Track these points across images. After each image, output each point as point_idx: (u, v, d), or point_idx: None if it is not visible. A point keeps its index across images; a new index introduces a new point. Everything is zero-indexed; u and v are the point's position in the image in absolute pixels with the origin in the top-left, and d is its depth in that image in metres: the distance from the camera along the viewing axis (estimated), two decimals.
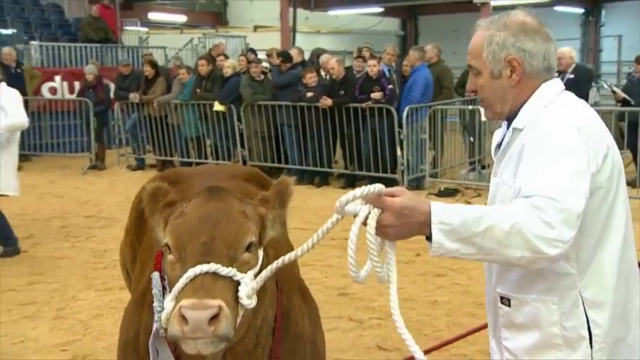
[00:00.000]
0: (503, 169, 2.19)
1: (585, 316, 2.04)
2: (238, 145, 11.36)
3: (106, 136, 13.36)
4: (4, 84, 6.95)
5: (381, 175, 10.02)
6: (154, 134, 12.26)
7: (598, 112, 2.29)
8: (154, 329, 2.05)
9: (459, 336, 3.80)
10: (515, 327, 2.13)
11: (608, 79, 19.05)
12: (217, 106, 11.15)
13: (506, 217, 1.84)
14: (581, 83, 9.65)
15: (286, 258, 1.96)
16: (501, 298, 2.16)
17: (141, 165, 12.51)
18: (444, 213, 1.85)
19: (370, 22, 22.67)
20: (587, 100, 9.64)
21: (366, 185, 1.88)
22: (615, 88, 11.27)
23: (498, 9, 17.42)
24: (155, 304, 1.97)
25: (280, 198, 2.12)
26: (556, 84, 2.21)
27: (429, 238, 1.87)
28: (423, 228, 1.86)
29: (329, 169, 10.79)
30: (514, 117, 2.19)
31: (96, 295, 5.79)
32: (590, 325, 2.04)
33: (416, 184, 10.24)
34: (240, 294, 1.84)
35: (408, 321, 5.15)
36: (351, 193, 1.85)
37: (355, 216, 1.87)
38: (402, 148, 10.00)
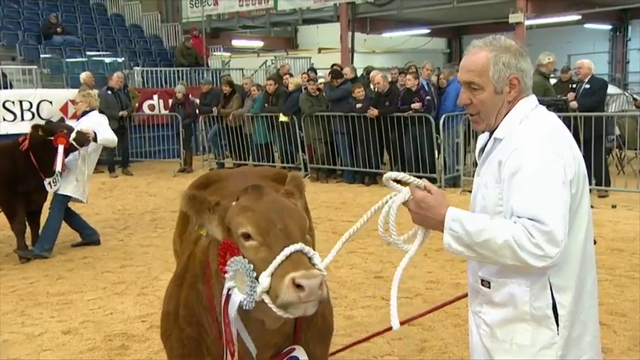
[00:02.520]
0: (484, 172, 2.20)
1: (552, 298, 2.08)
2: (300, 150, 11.45)
3: (193, 144, 13.67)
4: (96, 112, 7.17)
5: (421, 174, 9.90)
6: (231, 142, 12.47)
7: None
8: (236, 304, 1.98)
9: (445, 302, 3.78)
10: (493, 304, 2.17)
11: (635, 87, 18.23)
12: (282, 118, 11.26)
13: (501, 233, 1.94)
14: (595, 92, 9.28)
15: (351, 231, 2.22)
16: (482, 280, 2.19)
17: (221, 168, 12.71)
18: (454, 222, 2.00)
19: (419, 42, 22.48)
20: (604, 106, 9.35)
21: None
22: (636, 96, 10.80)
23: (533, 27, 17.02)
24: (247, 282, 1.93)
25: (298, 189, 2.23)
26: (532, 100, 2.20)
27: None
28: (440, 226, 2.04)
29: (377, 170, 10.72)
30: (495, 128, 2.19)
31: None
32: (557, 307, 2.08)
33: (452, 183, 10.10)
34: (319, 267, 1.93)
35: (434, 300, 5.17)
36: (399, 173, 2.14)
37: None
38: (439, 151, 9.88)
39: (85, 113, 7.09)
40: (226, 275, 1.99)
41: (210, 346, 2.26)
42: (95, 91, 7.73)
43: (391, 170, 10.56)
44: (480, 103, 2.15)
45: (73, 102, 7.27)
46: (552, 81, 10.82)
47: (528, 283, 2.07)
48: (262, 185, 2.17)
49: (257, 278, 1.90)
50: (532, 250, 1.91)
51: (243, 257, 1.95)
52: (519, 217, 1.95)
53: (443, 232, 2.03)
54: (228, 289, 1.98)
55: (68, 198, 6.82)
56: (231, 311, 1.98)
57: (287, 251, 1.87)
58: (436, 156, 9.91)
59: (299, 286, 1.81)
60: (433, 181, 9.89)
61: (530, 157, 2.00)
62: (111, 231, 7.79)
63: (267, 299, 1.88)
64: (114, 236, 7.58)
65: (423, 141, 9.74)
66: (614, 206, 8.10)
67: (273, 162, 11.98)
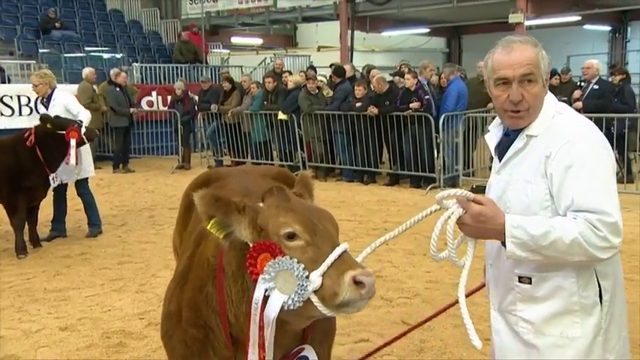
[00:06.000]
0: (515, 169, 2.19)
1: (598, 285, 2.12)
2: (298, 148, 11.41)
3: (191, 141, 13.62)
4: (57, 91, 7.10)
5: (420, 174, 9.92)
6: (230, 139, 12.44)
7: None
8: (277, 305, 1.95)
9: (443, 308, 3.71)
10: (534, 300, 2.17)
11: (635, 89, 18.24)
12: (281, 116, 11.23)
13: (567, 232, 1.94)
14: (606, 93, 9.29)
15: (388, 236, 2.20)
16: (519, 277, 2.19)
17: (219, 165, 12.60)
18: (516, 229, 1.98)
19: (419, 41, 22.45)
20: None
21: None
22: None
23: (533, 28, 17.00)
24: (297, 282, 1.90)
25: (307, 189, 2.25)
26: (552, 96, 2.24)
27: (503, 243, 2.02)
28: (499, 235, 2.02)
29: (375, 169, 10.71)
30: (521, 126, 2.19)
31: (171, 273, 5.84)
32: (602, 292, 2.12)
33: (452, 183, 10.07)
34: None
35: (433, 300, 5.14)
36: (447, 191, 2.08)
37: (445, 210, 2.08)
38: (438, 151, 9.86)
39: (49, 96, 7.01)
40: (263, 277, 1.95)
41: (217, 348, 2.24)
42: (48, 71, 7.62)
43: (390, 169, 10.65)
44: (534, 97, 2.12)
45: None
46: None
47: (575, 273, 2.09)
48: (285, 187, 2.17)
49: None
50: (599, 243, 1.94)
51: (288, 257, 1.95)
52: (579, 211, 1.97)
53: (501, 240, 2.02)
54: (265, 291, 1.95)
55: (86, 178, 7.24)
56: (270, 313, 1.95)
57: (339, 250, 1.90)
58: (435, 155, 9.88)
59: (359, 284, 1.83)
60: (432, 180, 9.90)
61: (584, 151, 2.04)
62: (109, 227, 7.75)
63: (314, 298, 1.90)
64: (112, 233, 7.55)
65: (423, 140, 9.71)
66: None
67: (272, 160, 11.95)
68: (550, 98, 2.19)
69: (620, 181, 8.56)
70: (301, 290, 1.90)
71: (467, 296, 3.14)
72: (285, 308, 1.92)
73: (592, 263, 2.05)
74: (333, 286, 1.86)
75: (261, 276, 1.96)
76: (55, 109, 6.87)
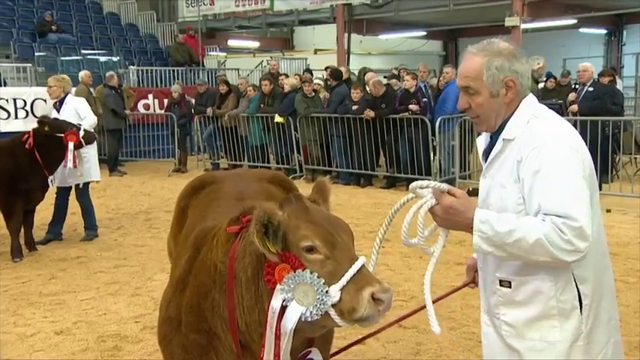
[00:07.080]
0: (495, 173, 2.21)
1: (577, 289, 2.12)
2: (295, 152, 11.40)
3: (188, 144, 13.62)
4: (70, 95, 7.23)
5: (417, 176, 9.90)
6: (227, 143, 12.43)
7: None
8: (295, 316, 1.97)
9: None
10: (515, 304, 2.18)
11: (630, 92, 18.31)
12: (277, 119, 11.23)
13: (532, 232, 1.96)
14: (600, 95, 9.31)
15: (381, 235, 2.22)
16: (500, 281, 2.20)
17: (216, 168, 12.58)
18: (482, 224, 2.01)
19: (415, 44, 22.46)
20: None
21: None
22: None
23: (529, 31, 17.06)
24: (317, 296, 1.92)
25: (322, 195, 2.27)
26: (533, 99, 2.23)
27: None
28: (467, 228, 2.05)
29: (372, 172, 10.71)
30: (501, 129, 2.21)
31: (167, 277, 5.89)
32: (581, 297, 2.12)
33: None
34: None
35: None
36: (424, 182, 2.12)
37: (419, 198, 2.12)
38: (435, 154, 9.87)
39: (62, 100, 7.07)
40: (281, 287, 1.96)
41: (222, 353, 2.23)
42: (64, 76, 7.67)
43: (387, 172, 10.65)
44: (478, 107, 2.19)
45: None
46: (541, 85, 10.90)
47: (552, 277, 2.10)
48: (301, 194, 2.18)
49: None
50: (563, 246, 1.95)
51: (309, 271, 1.96)
52: (547, 215, 1.98)
53: (471, 233, 2.05)
54: (283, 301, 1.96)
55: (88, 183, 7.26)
56: (288, 324, 1.97)
57: (358, 265, 1.91)
58: (432, 158, 9.89)
59: (378, 300, 1.85)
60: None
61: (551, 155, 2.04)
62: (105, 231, 7.73)
63: (332, 312, 1.92)
64: (108, 236, 7.53)
65: (419, 143, 9.72)
66: (608, 210, 8.10)
67: (269, 163, 11.94)
68: (528, 102, 2.19)
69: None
70: (320, 304, 1.91)
71: (439, 299, 3.17)
72: (303, 319, 1.94)
73: (565, 266, 2.05)
74: (351, 301, 1.89)
75: (279, 286, 1.97)
76: (66, 113, 6.96)
